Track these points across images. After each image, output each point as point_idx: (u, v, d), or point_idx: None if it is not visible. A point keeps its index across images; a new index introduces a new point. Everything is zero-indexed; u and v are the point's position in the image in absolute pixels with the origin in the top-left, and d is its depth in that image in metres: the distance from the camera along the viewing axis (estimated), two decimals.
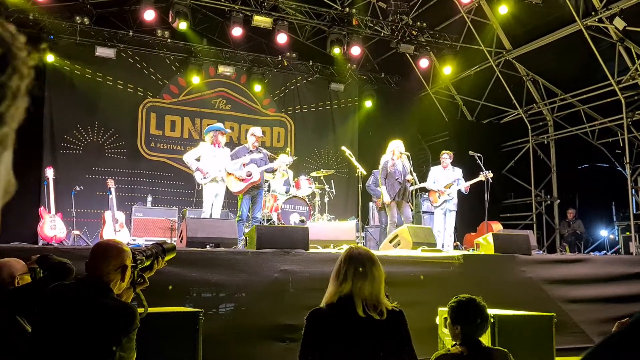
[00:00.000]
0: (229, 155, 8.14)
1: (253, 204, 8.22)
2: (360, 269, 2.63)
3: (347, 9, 11.51)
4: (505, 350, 3.01)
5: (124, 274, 2.68)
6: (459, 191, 9.24)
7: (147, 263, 2.82)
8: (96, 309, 2.56)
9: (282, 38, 11.12)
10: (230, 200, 9.46)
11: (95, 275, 2.66)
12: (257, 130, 8.47)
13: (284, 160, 8.65)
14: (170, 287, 5.09)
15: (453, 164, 9.43)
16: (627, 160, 10.64)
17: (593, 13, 10.04)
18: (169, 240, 9.22)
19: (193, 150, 8.10)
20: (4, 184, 0.47)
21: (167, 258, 2.92)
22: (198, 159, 7.95)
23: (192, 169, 7.95)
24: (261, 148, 8.54)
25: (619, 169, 11.41)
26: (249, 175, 8.06)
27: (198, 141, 9.12)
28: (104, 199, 9.29)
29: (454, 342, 2.92)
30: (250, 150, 8.29)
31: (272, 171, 8.69)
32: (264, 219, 8.47)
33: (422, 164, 14.02)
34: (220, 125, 8.44)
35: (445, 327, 2.94)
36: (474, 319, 2.90)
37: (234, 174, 8.03)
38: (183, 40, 11.77)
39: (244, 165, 8.09)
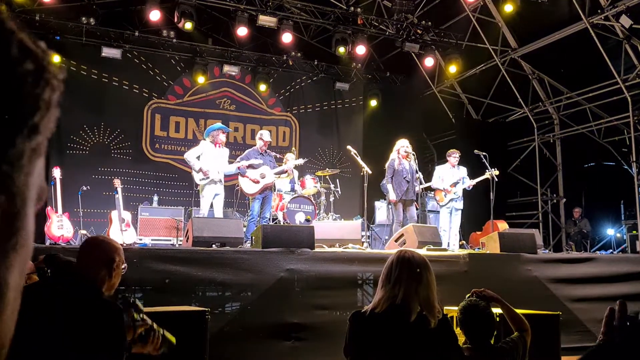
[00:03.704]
0: (228, 154, 8.28)
1: (264, 204, 8.30)
2: (415, 272, 2.55)
3: (352, 8, 11.50)
4: (514, 335, 3.01)
5: (111, 270, 2.57)
6: (464, 189, 9.23)
7: (140, 329, 2.57)
8: (78, 307, 2.43)
9: (287, 37, 11.13)
10: (240, 200, 9.53)
11: (80, 271, 2.58)
12: (265, 134, 8.57)
13: (297, 162, 8.83)
14: (167, 280, 5.11)
15: (458, 162, 9.42)
16: (634, 159, 10.59)
17: (599, 11, 10.01)
18: (174, 242, 9.28)
19: (194, 149, 8.14)
20: (38, 190, 0.50)
21: (162, 349, 2.62)
22: (198, 158, 8.00)
23: (195, 168, 7.95)
24: (269, 151, 8.63)
25: (626, 167, 11.37)
26: (263, 177, 8.14)
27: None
28: (110, 198, 9.32)
29: (463, 342, 2.93)
30: (261, 153, 8.39)
31: (284, 172, 8.80)
32: (270, 218, 8.51)
33: (428, 163, 14.01)
34: (219, 124, 8.51)
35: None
36: (477, 325, 2.91)
37: (248, 176, 8.11)
38: (188, 40, 11.80)
39: (246, 167, 8.17)
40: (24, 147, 0.45)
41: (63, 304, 2.45)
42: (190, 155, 8.01)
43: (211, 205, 8.06)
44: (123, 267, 2.66)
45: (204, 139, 8.33)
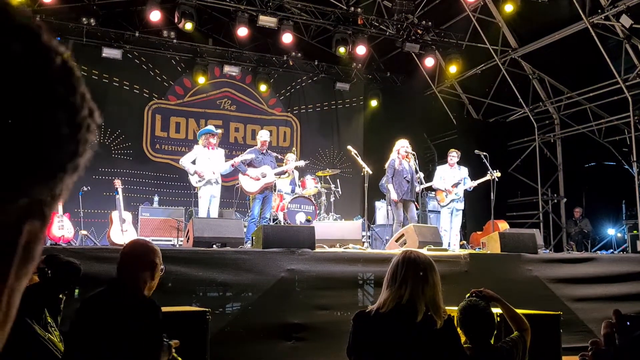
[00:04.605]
0: (223, 154, 8.47)
1: (264, 204, 8.35)
2: (421, 273, 2.55)
3: (353, 8, 11.50)
4: (514, 334, 3.01)
5: (153, 273, 2.69)
6: (465, 189, 9.23)
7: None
8: (126, 311, 2.56)
9: (287, 38, 11.13)
10: (240, 200, 9.55)
11: (124, 276, 2.68)
12: (263, 135, 8.71)
13: (298, 163, 8.94)
14: (169, 284, 5.12)
15: (459, 162, 9.41)
16: (634, 159, 10.59)
17: (599, 11, 10.00)
18: (175, 243, 9.29)
19: (189, 154, 8.36)
20: None
21: None
22: (193, 162, 8.17)
23: (190, 172, 8.15)
24: (270, 151, 8.70)
25: (626, 167, 11.36)
26: (264, 176, 8.22)
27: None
28: (110, 199, 9.32)
29: (463, 342, 2.93)
30: (262, 153, 8.50)
31: (284, 173, 8.90)
32: (270, 219, 8.54)
33: (428, 163, 14.02)
34: (210, 127, 8.74)
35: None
36: (477, 325, 2.91)
37: (248, 174, 8.19)
38: (189, 40, 11.80)
39: (247, 165, 8.26)
40: (66, 183, 0.49)
41: (110, 307, 2.56)
42: (184, 161, 8.24)
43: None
44: (161, 269, 2.77)
45: (197, 143, 8.51)
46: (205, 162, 8.16)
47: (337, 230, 7.83)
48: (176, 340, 2.79)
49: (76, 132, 0.49)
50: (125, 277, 2.67)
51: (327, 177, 9.84)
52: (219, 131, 9.00)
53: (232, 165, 8.33)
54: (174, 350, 2.79)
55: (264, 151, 8.55)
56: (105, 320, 2.54)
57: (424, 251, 6.48)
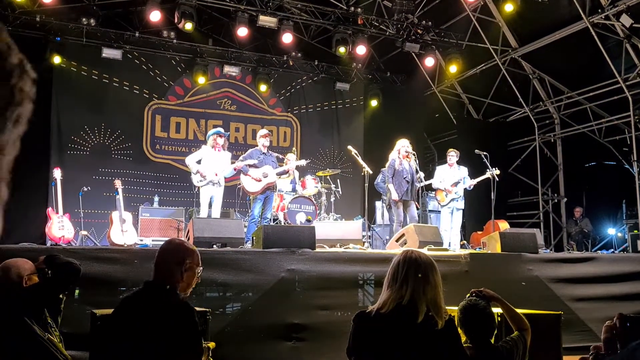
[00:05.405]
0: (230, 157, 8.50)
1: (265, 204, 8.35)
2: (422, 273, 2.55)
3: (353, 8, 11.50)
4: (515, 334, 3.01)
5: (182, 272, 2.68)
6: (465, 188, 9.23)
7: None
8: (162, 312, 2.56)
9: (287, 38, 11.12)
10: (241, 201, 9.55)
11: (158, 276, 2.68)
12: (262, 131, 8.76)
13: (299, 162, 8.95)
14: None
15: (459, 162, 9.42)
16: (635, 158, 10.58)
17: (600, 10, 10.00)
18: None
19: (195, 154, 8.42)
20: None
21: None
22: (199, 162, 8.22)
23: (193, 171, 8.20)
24: (271, 152, 8.72)
25: (626, 166, 11.36)
26: (265, 176, 8.23)
27: (203, 142, 9.25)
28: (111, 199, 9.32)
29: (463, 341, 2.93)
30: (263, 153, 8.49)
31: (285, 173, 8.91)
32: (271, 219, 8.54)
33: (428, 163, 14.02)
34: (218, 129, 8.73)
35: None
36: (477, 325, 2.90)
37: (250, 175, 8.21)
38: (189, 40, 11.80)
39: (249, 165, 8.26)
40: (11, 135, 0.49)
41: (147, 307, 2.57)
42: (189, 160, 8.30)
43: (210, 206, 8.17)
44: (199, 270, 2.75)
45: (206, 144, 8.53)
46: (210, 163, 8.19)
47: (337, 230, 7.82)
48: (212, 342, 2.81)
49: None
50: (158, 277, 2.68)
51: (327, 177, 9.84)
52: (228, 133, 9.07)
53: (235, 169, 8.36)
54: (210, 352, 2.80)
55: (265, 151, 8.53)
56: (142, 321, 2.54)
57: (425, 251, 6.48)
